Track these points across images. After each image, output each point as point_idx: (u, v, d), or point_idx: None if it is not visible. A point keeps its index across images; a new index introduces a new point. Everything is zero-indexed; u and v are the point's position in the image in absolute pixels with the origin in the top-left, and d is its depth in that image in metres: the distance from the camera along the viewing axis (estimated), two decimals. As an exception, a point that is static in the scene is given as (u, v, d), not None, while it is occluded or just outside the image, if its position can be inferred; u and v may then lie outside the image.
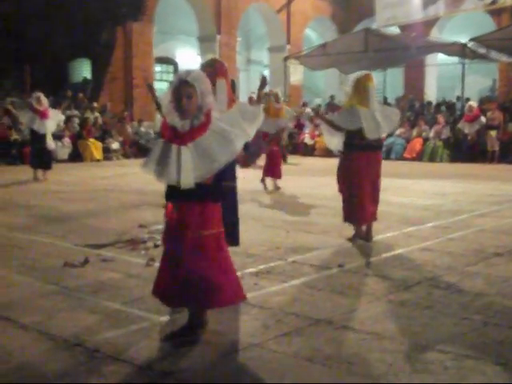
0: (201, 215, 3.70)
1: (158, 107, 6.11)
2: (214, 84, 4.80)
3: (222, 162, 3.61)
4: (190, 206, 3.70)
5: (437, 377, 3.27)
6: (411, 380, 3.23)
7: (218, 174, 3.69)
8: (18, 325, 4.05)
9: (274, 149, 11.23)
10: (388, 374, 3.31)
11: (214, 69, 4.93)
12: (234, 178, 5.15)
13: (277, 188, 11.29)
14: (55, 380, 3.25)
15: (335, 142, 6.83)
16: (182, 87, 3.61)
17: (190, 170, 3.58)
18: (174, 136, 3.66)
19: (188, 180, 3.58)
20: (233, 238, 5.05)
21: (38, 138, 12.59)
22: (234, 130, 3.78)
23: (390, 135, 17.40)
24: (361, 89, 6.46)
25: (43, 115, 12.50)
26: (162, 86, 25.56)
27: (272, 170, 11.25)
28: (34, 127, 12.48)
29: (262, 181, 11.34)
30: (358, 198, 6.60)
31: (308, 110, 23.49)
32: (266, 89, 5.98)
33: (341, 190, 6.83)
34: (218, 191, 3.80)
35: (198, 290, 3.70)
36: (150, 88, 5.44)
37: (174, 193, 3.74)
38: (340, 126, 6.60)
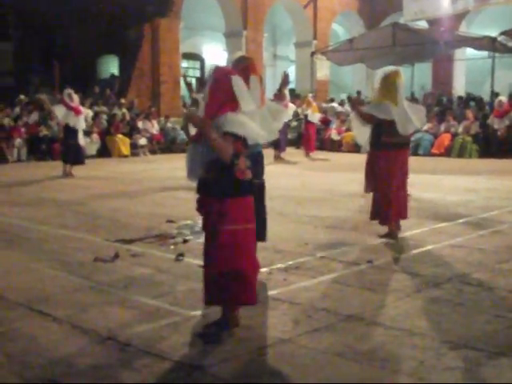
0: (231, 210, 3.72)
1: (194, 102, 6.14)
2: (247, 80, 4.81)
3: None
4: (212, 201, 3.75)
5: (470, 374, 3.24)
6: (443, 377, 3.21)
7: (228, 170, 3.71)
8: (52, 318, 4.11)
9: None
10: (420, 370, 3.30)
11: (246, 65, 4.93)
12: (261, 174, 5.14)
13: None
14: (88, 373, 3.29)
15: (364, 136, 6.77)
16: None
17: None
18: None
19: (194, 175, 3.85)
20: (260, 234, 5.05)
21: (71, 133, 12.71)
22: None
23: (417, 131, 17.23)
24: (389, 85, 6.41)
25: (77, 111, 12.63)
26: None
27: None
28: (69, 123, 12.60)
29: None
30: (386, 196, 6.55)
31: (334, 105, 23.39)
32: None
33: (367, 188, 6.77)
34: (233, 187, 3.77)
35: (232, 286, 3.71)
36: (188, 84, 5.47)
37: (200, 188, 3.80)
38: (372, 116, 6.49)
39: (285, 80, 5.78)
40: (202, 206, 3.86)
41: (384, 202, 6.53)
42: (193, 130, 3.90)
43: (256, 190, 4.91)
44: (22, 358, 3.47)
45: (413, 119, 6.44)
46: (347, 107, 23.48)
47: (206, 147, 3.73)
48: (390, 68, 6.64)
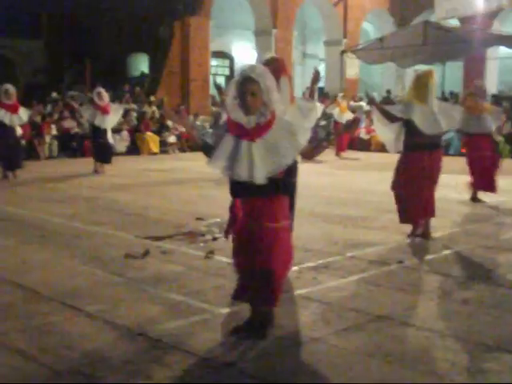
0: (267, 208, 3.70)
1: (223, 105, 6.15)
2: (277, 81, 4.80)
3: (291, 156, 3.63)
4: (259, 201, 3.70)
5: (504, 377, 3.20)
6: (476, 380, 3.18)
7: (288, 168, 3.71)
8: (84, 313, 4.16)
9: None
10: (452, 372, 3.27)
11: (276, 66, 4.93)
12: (295, 174, 5.14)
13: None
14: (119, 367, 3.32)
15: (388, 135, 6.68)
16: (247, 84, 3.58)
17: (262, 165, 3.58)
18: (241, 132, 3.64)
19: (261, 175, 3.57)
20: None
21: (99, 132, 12.85)
22: (299, 125, 3.79)
23: (445, 132, 17.02)
24: (421, 85, 6.34)
25: (104, 111, 12.74)
26: (218, 81, 25.73)
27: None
28: (95, 122, 12.72)
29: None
30: (410, 197, 6.49)
31: (362, 104, 23.25)
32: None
33: (394, 188, 6.69)
34: (286, 185, 3.80)
35: (271, 285, 3.70)
36: (219, 88, 5.48)
37: (243, 189, 3.72)
38: (391, 114, 6.45)
39: (315, 77, 5.74)
40: (243, 206, 3.81)
41: (413, 202, 6.46)
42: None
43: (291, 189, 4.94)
44: (54, 351, 3.51)
45: (440, 120, 6.35)
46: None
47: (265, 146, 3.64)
48: (424, 68, 6.58)
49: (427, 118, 6.30)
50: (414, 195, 6.44)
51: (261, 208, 3.68)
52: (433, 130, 6.36)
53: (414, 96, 6.36)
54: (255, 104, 3.59)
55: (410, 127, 6.39)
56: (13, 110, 11.71)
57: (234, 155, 3.61)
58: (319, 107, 5.64)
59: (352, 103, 22.94)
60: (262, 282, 3.68)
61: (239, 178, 3.63)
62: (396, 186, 6.64)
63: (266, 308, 3.82)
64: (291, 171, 4.93)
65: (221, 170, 3.66)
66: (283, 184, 3.75)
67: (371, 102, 6.82)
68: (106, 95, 13.02)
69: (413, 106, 6.31)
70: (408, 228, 6.76)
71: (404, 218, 6.62)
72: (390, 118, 6.52)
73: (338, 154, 17.76)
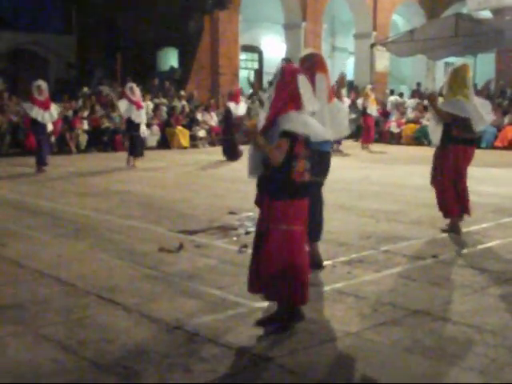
0: (282, 211, 3.68)
1: (261, 103, 6.16)
2: (313, 78, 4.78)
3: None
4: (272, 200, 3.71)
5: (545, 373, 3.17)
6: (517, 375, 3.15)
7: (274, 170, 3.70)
8: (121, 307, 4.21)
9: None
10: (492, 368, 3.24)
11: (312, 63, 4.91)
12: (323, 173, 5.07)
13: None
14: (158, 361, 3.36)
15: (438, 134, 6.61)
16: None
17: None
18: None
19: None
20: (315, 234, 5.02)
21: (133, 126, 12.99)
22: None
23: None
24: (460, 80, 6.29)
25: (138, 105, 12.87)
26: (246, 75, 25.73)
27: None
28: (131, 117, 12.85)
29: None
30: (446, 191, 6.44)
31: (392, 97, 23.07)
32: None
33: (434, 183, 6.65)
34: (282, 189, 3.71)
35: (282, 287, 3.71)
36: (253, 84, 5.51)
37: (259, 186, 3.82)
38: (448, 113, 6.36)
39: (341, 82, 5.73)
40: (259, 202, 3.87)
41: (450, 196, 6.41)
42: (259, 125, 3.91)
43: (317, 188, 4.91)
44: (94, 344, 3.56)
45: (484, 114, 6.30)
46: (406, 99, 23.16)
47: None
48: (459, 63, 6.51)
49: (476, 113, 6.26)
50: (449, 189, 6.38)
51: (273, 209, 3.69)
52: (482, 125, 6.35)
53: (456, 92, 6.29)
54: None
55: (458, 123, 6.31)
56: (45, 106, 11.88)
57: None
58: (347, 102, 5.65)
59: (391, 98, 22.85)
60: (284, 283, 3.69)
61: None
62: (434, 180, 6.59)
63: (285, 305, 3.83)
64: (321, 171, 4.91)
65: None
66: (300, 187, 3.71)
67: (431, 102, 6.72)
68: (137, 90, 13.13)
69: (462, 102, 6.24)
70: (442, 222, 6.70)
71: (444, 211, 6.57)
72: (448, 116, 6.41)
73: (364, 148, 17.66)
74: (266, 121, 3.76)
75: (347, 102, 16.65)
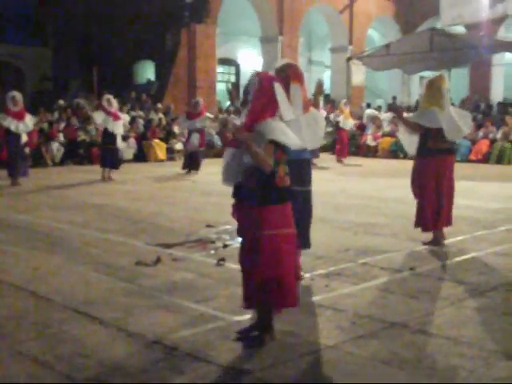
0: (254, 216, 3.71)
1: (236, 111, 6.16)
2: (287, 88, 4.80)
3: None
4: (246, 207, 3.76)
5: (522, 385, 3.20)
6: (494, 387, 3.17)
7: (262, 178, 3.69)
8: (98, 321, 4.17)
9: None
10: (470, 380, 3.26)
11: (287, 73, 4.93)
12: (308, 182, 5.12)
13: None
14: (136, 375, 3.32)
15: (414, 145, 6.69)
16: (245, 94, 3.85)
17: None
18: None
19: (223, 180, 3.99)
20: (303, 242, 5.04)
21: (110, 138, 12.87)
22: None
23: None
24: (435, 91, 6.38)
25: (115, 117, 12.79)
26: (223, 87, 25.78)
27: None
28: (108, 128, 12.76)
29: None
30: (423, 204, 6.50)
31: (369, 111, 23.28)
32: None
33: (415, 195, 6.71)
34: (264, 195, 3.72)
35: (273, 291, 3.71)
36: (231, 93, 5.49)
37: (235, 193, 3.85)
38: (418, 125, 6.46)
39: (319, 89, 5.73)
40: (237, 212, 3.88)
41: (430, 209, 6.46)
42: (229, 136, 3.95)
43: (302, 197, 4.92)
44: (70, 359, 3.52)
45: (460, 125, 6.39)
46: (383, 113, 23.38)
47: (244, 153, 3.74)
48: (435, 74, 6.61)
49: (450, 123, 6.33)
50: (427, 202, 6.44)
51: (259, 216, 3.70)
52: (457, 135, 6.42)
53: (430, 102, 6.38)
54: None
55: (427, 133, 6.40)
56: (19, 117, 11.79)
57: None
58: (323, 114, 5.65)
59: (367, 111, 23.06)
60: (274, 287, 3.69)
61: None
62: (417, 192, 6.65)
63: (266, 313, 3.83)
64: (301, 179, 4.94)
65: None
66: (283, 192, 3.75)
67: (398, 115, 6.83)
68: (114, 101, 13.08)
69: (435, 113, 6.32)
70: (418, 235, 6.76)
71: (422, 225, 6.61)
72: (418, 128, 6.51)
73: (339, 161, 17.76)
74: (244, 127, 3.77)
75: (324, 113, 16.81)
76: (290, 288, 3.76)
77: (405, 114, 7.45)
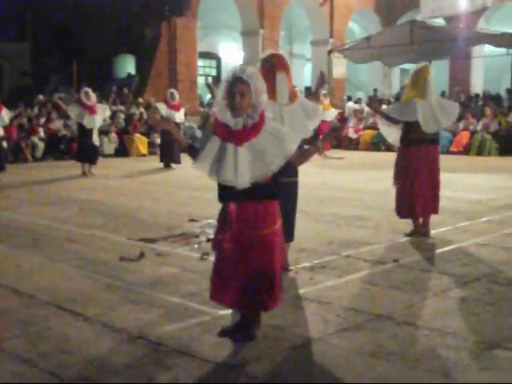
0: (261, 213, 3.64)
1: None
2: (273, 78, 4.80)
3: (277, 164, 3.56)
4: (250, 205, 3.63)
5: (507, 375, 3.22)
6: (479, 378, 3.19)
7: (275, 173, 3.63)
8: (82, 317, 4.13)
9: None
10: (454, 371, 3.28)
11: (273, 62, 4.92)
12: (295, 173, 5.13)
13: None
14: (122, 371, 3.30)
15: (394, 135, 6.74)
16: (236, 84, 3.53)
17: (246, 171, 3.52)
18: (227, 135, 3.58)
19: (244, 181, 3.53)
20: (288, 234, 5.04)
21: (85, 132, 12.74)
22: (288, 131, 3.76)
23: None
24: (420, 81, 6.41)
25: (92, 110, 12.66)
26: (204, 81, 25.71)
27: None
28: (83, 122, 12.64)
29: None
30: (411, 192, 6.53)
31: (350, 103, 23.34)
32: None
33: (395, 184, 6.76)
34: (276, 189, 3.73)
35: (261, 290, 3.66)
36: (210, 88, 5.47)
37: (231, 192, 3.65)
38: (394, 118, 6.53)
39: (321, 80, 5.64)
40: (237, 211, 3.68)
41: (410, 198, 6.51)
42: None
43: (287, 188, 4.91)
44: (56, 356, 3.49)
45: (439, 117, 6.42)
46: (364, 105, 23.45)
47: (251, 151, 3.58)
48: (417, 65, 6.63)
49: (427, 115, 6.36)
50: (414, 190, 6.48)
51: (252, 212, 3.62)
52: (433, 127, 6.44)
53: (415, 93, 6.41)
54: (243, 105, 3.53)
55: (408, 124, 6.44)
56: (-5, 111, 11.66)
57: (219, 158, 3.56)
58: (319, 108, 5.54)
59: (349, 103, 23.12)
60: (263, 285, 3.65)
61: (223, 182, 3.59)
62: (396, 181, 6.69)
63: (261, 311, 3.79)
64: (286, 172, 4.92)
65: (206, 173, 3.60)
66: (273, 188, 3.69)
67: (374, 108, 6.87)
68: (93, 95, 12.94)
69: (414, 104, 6.35)
70: (401, 226, 6.79)
71: (405, 214, 6.65)
72: (394, 121, 6.56)
73: (320, 154, 17.76)
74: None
75: (327, 99, 17.03)
76: (277, 288, 3.70)
77: (384, 106, 7.48)
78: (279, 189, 3.78)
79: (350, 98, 24.19)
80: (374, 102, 6.64)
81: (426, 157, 6.51)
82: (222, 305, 3.87)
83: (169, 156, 14.17)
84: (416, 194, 6.49)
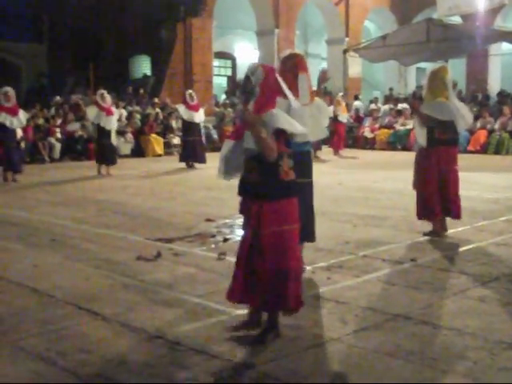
0: (276, 212, 3.64)
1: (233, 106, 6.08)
2: (294, 77, 4.80)
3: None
4: (264, 203, 3.63)
5: (527, 374, 3.19)
6: (499, 378, 3.16)
7: (268, 170, 3.64)
8: (100, 317, 4.15)
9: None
10: (474, 371, 3.25)
11: (294, 63, 4.90)
12: (309, 173, 5.11)
13: None
14: (140, 370, 3.31)
15: (425, 136, 6.65)
16: (246, 82, 3.71)
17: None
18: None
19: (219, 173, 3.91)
20: (309, 234, 5.03)
21: (103, 134, 12.87)
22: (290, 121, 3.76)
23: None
24: (439, 82, 6.36)
25: (108, 112, 12.76)
26: (220, 81, 25.72)
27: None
28: (100, 123, 12.75)
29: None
30: (432, 192, 6.48)
31: (356, 103, 23.21)
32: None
33: (415, 185, 6.71)
34: (292, 187, 3.73)
35: (276, 290, 3.65)
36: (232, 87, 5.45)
37: (247, 190, 3.71)
38: (433, 118, 6.42)
39: (323, 77, 5.65)
40: (246, 208, 3.80)
41: (430, 198, 6.47)
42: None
43: (303, 189, 4.90)
44: (74, 355, 3.50)
45: (466, 116, 6.40)
46: (380, 105, 23.35)
47: (244, 144, 3.66)
48: (434, 65, 6.60)
49: (458, 114, 6.33)
50: (434, 190, 6.43)
51: (266, 211, 3.62)
52: (464, 126, 6.44)
53: (435, 94, 6.37)
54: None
55: (438, 124, 6.38)
56: (13, 112, 11.75)
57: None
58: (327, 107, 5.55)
59: (356, 102, 23.05)
60: (279, 285, 3.63)
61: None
62: (417, 182, 6.64)
63: (280, 311, 3.78)
64: (303, 171, 4.92)
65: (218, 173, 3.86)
66: (288, 186, 3.69)
67: (413, 108, 6.83)
68: (108, 97, 13.06)
69: (448, 105, 6.31)
70: (419, 226, 6.75)
71: (425, 215, 6.60)
72: (429, 120, 6.47)
73: (336, 153, 17.75)
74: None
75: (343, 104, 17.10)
76: (294, 288, 3.68)
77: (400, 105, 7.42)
78: (296, 187, 3.77)
79: (356, 97, 24.02)
80: (415, 101, 6.61)
81: (447, 158, 6.47)
82: (242, 304, 3.86)
83: (192, 156, 14.19)
84: (436, 195, 6.44)
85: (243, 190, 3.78)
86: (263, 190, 3.64)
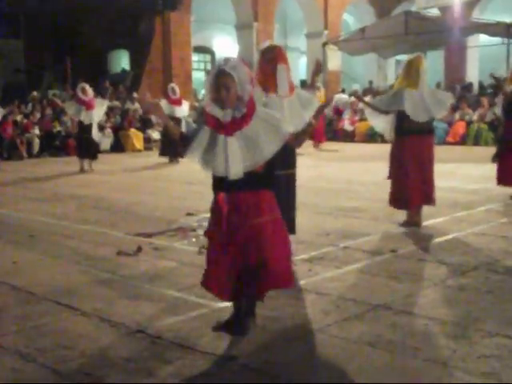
0: (256, 203, 3.62)
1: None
2: (274, 69, 4.80)
3: (271, 150, 3.51)
4: (244, 195, 3.58)
5: (506, 362, 3.21)
6: (479, 365, 3.18)
7: (269, 161, 3.59)
8: (80, 312, 4.12)
9: None
10: (454, 359, 3.27)
11: (273, 54, 4.90)
12: (293, 164, 5.11)
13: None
14: (122, 365, 3.29)
15: (382, 124, 6.77)
16: (220, 77, 3.47)
17: (238, 160, 3.46)
18: (217, 125, 3.52)
19: (236, 171, 3.47)
20: (290, 226, 5.02)
21: (84, 128, 12.70)
22: (280, 115, 3.72)
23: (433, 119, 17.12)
24: (412, 71, 6.41)
25: (89, 106, 12.59)
26: (199, 76, 25.63)
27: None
28: (80, 118, 12.59)
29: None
30: (405, 182, 6.53)
31: (344, 96, 23.24)
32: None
33: (391, 176, 6.75)
34: (270, 178, 3.72)
35: (256, 277, 3.63)
36: None
37: (225, 183, 3.60)
38: (380, 108, 6.56)
39: (317, 67, 5.59)
40: (227, 203, 3.65)
41: (404, 188, 6.51)
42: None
43: (285, 180, 4.91)
44: (53, 351, 3.47)
45: (430, 106, 6.41)
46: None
47: (238, 139, 3.50)
48: (414, 54, 6.65)
49: (417, 104, 6.36)
50: (409, 180, 6.48)
51: (246, 202, 3.57)
52: (423, 117, 6.41)
53: (406, 83, 6.41)
54: (230, 98, 3.47)
55: (401, 114, 6.44)
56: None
57: (210, 149, 3.52)
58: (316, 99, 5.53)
59: (336, 95, 23.01)
60: (254, 273, 3.60)
61: (216, 173, 3.56)
62: (392, 172, 6.70)
63: (255, 300, 3.76)
64: (287, 162, 4.92)
65: (198, 163, 3.56)
66: (267, 177, 3.65)
67: (359, 100, 6.90)
68: (90, 90, 12.85)
69: (403, 93, 6.35)
70: (399, 217, 6.79)
71: (399, 204, 6.66)
72: (381, 111, 6.60)
73: (316, 146, 17.76)
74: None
75: (322, 90, 17.05)
76: (285, 268, 3.67)
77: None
78: (273, 179, 3.76)
79: (343, 90, 24.09)
80: (356, 92, 6.76)
81: (420, 147, 6.52)
82: (212, 293, 3.76)
83: (173, 150, 14.04)
84: (411, 185, 6.48)
85: (231, 183, 3.54)
86: (260, 179, 3.59)
